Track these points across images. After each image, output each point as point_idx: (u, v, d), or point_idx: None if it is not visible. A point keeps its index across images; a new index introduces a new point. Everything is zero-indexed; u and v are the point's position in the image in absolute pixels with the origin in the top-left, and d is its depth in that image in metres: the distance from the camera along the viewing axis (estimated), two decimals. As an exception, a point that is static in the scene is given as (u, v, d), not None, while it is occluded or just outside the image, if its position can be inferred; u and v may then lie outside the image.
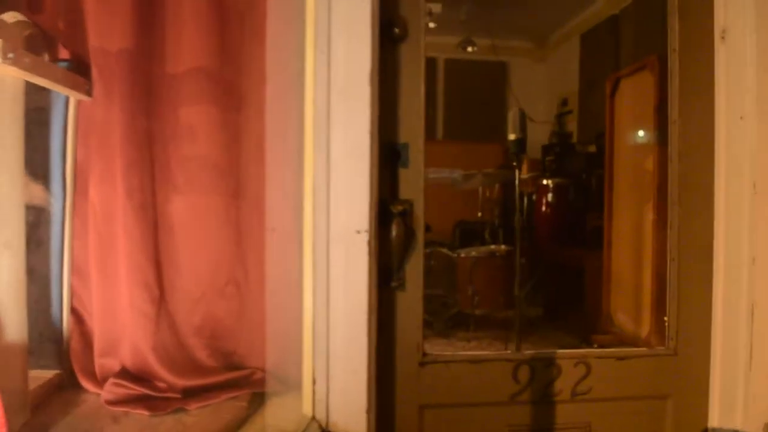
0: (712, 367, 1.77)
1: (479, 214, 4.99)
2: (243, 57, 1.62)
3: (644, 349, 1.84)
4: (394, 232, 1.60)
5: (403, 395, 1.67)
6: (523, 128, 2.51)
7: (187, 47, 1.58)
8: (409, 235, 1.64)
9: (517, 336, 2.63)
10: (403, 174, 1.66)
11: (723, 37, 1.76)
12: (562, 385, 1.72)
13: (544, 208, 4.44)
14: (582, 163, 4.73)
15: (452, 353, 1.78)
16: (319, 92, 1.51)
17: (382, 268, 1.63)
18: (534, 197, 4.59)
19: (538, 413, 1.73)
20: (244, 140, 1.62)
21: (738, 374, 1.71)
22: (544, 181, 4.43)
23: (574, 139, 5.39)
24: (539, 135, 5.79)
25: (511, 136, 2.51)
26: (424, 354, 1.68)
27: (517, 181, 2.59)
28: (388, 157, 1.65)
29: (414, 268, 1.66)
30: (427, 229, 4.92)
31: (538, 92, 6.01)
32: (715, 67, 1.76)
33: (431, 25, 4.42)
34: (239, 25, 1.63)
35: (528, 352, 1.73)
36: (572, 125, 5.50)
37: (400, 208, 1.61)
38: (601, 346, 3.22)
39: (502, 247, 3.91)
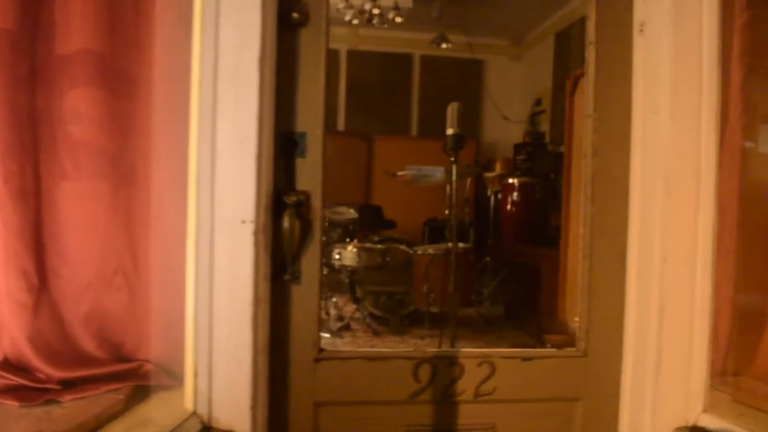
0: (624, 369, 1.72)
1: (446, 212, 4.93)
2: (134, 42, 1.56)
3: (553, 350, 1.79)
4: (286, 224, 1.55)
5: (297, 391, 1.62)
6: (460, 123, 2.46)
7: (75, 28, 1.52)
8: (305, 227, 1.59)
9: (451, 333, 2.58)
10: (301, 164, 1.60)
11: (641, 30, 1.71)
12: (465, 385, 1.67)
13: (509, 207, 4.40)
14: (552, 162, 4.68)
15: (350, 350, 1.72)
16: (205, 78, 1.46)
17: (276, 260, 1.58)
18: (500, 196, 4.54)
19: (440, 413, 1.68)
20: (135, 126, 1.57)
21: (647, 377, 1.66)
22: (510, 180, 4.38)
23: (547, 139, 5.34)
24: (514, 134, 5.74)
25: (449, 131, 2.46)
26: (320, 350, 1.63)
27: (453, 177, 2.54)
28: (286, 146, 1.60)
29: (311, 262, 1.61)
30: (392, 225, 4.91)
31: (514, 91, 5.95)
32: (633, 60, 1.72)
33: (398, 19, 4.37)
34: (132, 9, 1.57)
35: (430, 351, 1.67)
36: (546, 125, 5.45)
37: (293, 198, 1.55)
38: (554, 347, 3.17)
39: (460, 244, 3.86)
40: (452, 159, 2.52)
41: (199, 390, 1.48)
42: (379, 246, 3.75)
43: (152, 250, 1.58)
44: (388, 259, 3.73)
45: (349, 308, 4.06)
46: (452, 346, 2.63)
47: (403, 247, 3.90)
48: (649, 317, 1.65)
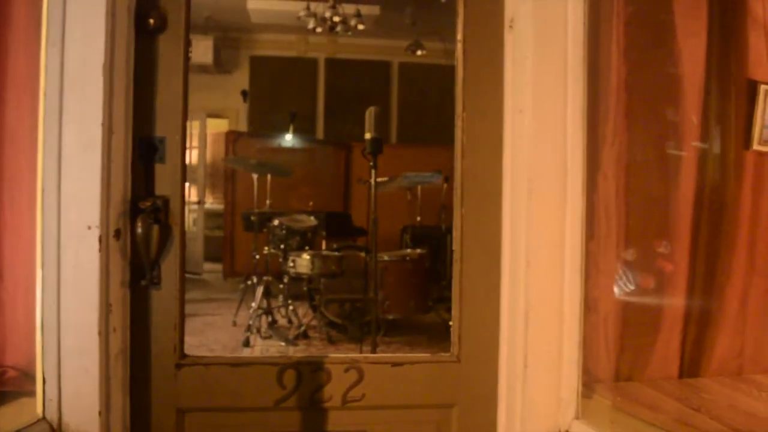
0: (500, 375, 1.68)
1: (418, 219, 4.91)
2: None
3: (425, 355, 1.76)
4: (139, 229, 1.55)
5: (159, 397, 1.61)
6: (378, 127, 2.44)
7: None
8: (164, 232, 1.59)
9: (372, 338, 2.55)
10: (160, 169, 1.61)
11: (511, 27, 1.68)
12: (333, 391, 1.65)
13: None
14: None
15: (212, 356, 1.71)
16: (51, 85, 1.47)
17: (135, 265, 1.58)
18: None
19: (307, 420, 1.66)
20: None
21: (516, 383, 1.62)
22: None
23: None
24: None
25: (367, 135, 2.45)
26: (183, 355, 1.62)
27: (373, 181, 2.52)
28: (145, 151, 1.60)
29: (171, 267, 1.61)
30: (362, 232, 4.89)
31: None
32: (504, 58, 1.69)
33: (360, 27, 4.38)
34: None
35: (295, 356, 1.66)
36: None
37: (148, 203, 1.56)
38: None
39: (417, 251, 3.83)
40: (371, 163, 2.50)
41: (47, 396, 1.48)
42: (335, 253, 3.74)
43: (13, 255, 1.60)
44: (344, 266, 3.72)
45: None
46: (373, 351, 2.60)
47: (362, 254, 3.88)
48: (517, 321, 1.61)
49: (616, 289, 1.85)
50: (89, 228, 1.47)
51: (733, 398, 1.67)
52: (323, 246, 4.45)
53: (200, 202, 6.24)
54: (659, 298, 1.83)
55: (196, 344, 3.64)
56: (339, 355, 1.65)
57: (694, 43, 1.80)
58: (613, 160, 1.76)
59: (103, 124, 1.47)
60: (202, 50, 5.69)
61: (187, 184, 5.41)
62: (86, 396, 1.49)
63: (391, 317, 3.72)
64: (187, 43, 1.62)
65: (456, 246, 1.69)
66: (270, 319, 3.96)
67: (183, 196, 1.62)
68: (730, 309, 1.91)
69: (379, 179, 3.47)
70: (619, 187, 1.78)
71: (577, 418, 1.59)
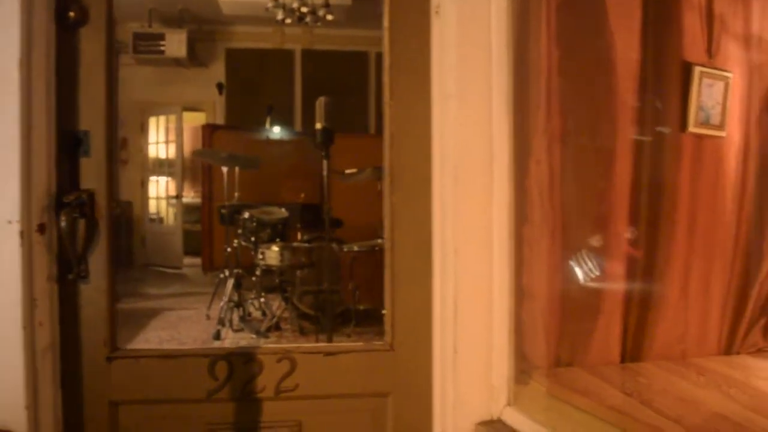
0: (434, 362, 1.68)
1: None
2: None
3: (359, 344, 1.76)
4: (63, 223, 1.54)
5: (92, 391, 1.61)
6: (329, 118, 2.43)
7: None
8: (91, 226, 1.58)
9: (328, 330, 2.55)
10: (86, 163, 1.60)
11: (437, 12, 1.66)
12: (265, 382, 1.64)
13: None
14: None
15: (144, 348, 1.71)
16: (-34, 81, 1.46)
17: (62, 260, 1.58)
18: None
19: (241, 411, 1.65)
20: None
21: (448, 370, 1.62)
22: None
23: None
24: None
25: (318, 126, 2.44)
26: (115, 348, 1.62)
27: (325, 172, 2.51)
28: (69, 145, 1.59)
29: (98, 260, 1.60)
30: (338, 224, 4.87)
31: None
32: (431, 44, 1.67)
33: (329, 17, 4.34)
34: None
35: (226, 348, 1.66)
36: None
37: (72, 198, 1.55)
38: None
39: (378, 240, 3.82)
40: (323, 154, 2.49)
41: (-28, 391, 1.48)
42: (305, 245, 3.74)
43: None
44: (314, 258, 3.71)
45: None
46: (329, 341, 2.60)
47: (334, 245, 3.88)
48: (447, 310, 1.61)
49: (579, 275, 1.85)
50: (10, 223, 1.46)
51: (669, 383, 1.67)
52: (299, 238, 4.45)
53: (178, 196, 6.23)
54: (599, 283, 1.82)
55: (167, 338, 3.65)
56: (271, 345, 1.65)
57: (629, 25, 1.78)
58: (547, 146, 1.75)
59: (21, 120, 1.46)
60: (176, 43, 5.66)
61: (166, 179, 5.40)
62: (11, 390, 1.48)
63: (362, 307, 3.72)
64: (111, 37, 1.60)
65: (387, 235, 1.68)
66: (243, 311, 3.96)
67: (110, 189, 1.61)
68: (672, 293, 1.91)
69: (348, 171, 3.46)
70: (554, 173, 1.77)
71: (509, 405, 1.60)
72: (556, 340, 1.80)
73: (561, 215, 1.78)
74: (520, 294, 1.72)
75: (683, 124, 1.91)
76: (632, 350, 1.87)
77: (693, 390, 1.61)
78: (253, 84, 5.88)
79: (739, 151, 2.25)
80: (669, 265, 1.91)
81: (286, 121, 5.56)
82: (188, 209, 6.45)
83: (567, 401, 1.57)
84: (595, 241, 1.82)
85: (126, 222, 6.15)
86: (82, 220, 1.57)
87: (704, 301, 1.93)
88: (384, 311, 1.71)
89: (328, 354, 1.67)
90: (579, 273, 1.82)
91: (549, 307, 1.79)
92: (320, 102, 2.44)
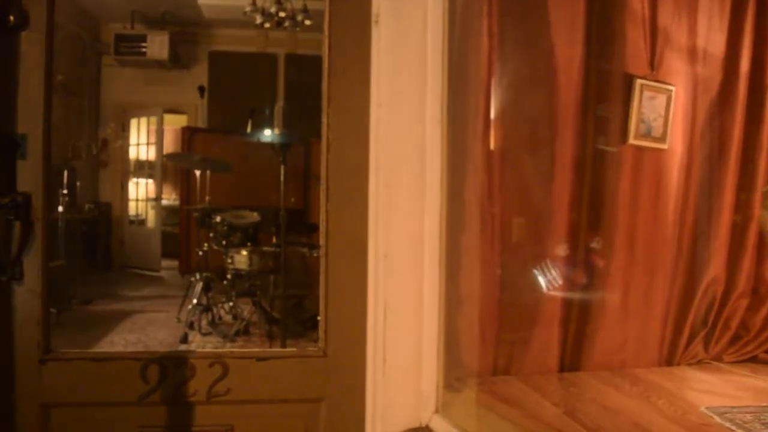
0: (368, 369, 1.69)
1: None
2: None
3: (292, 350, 1.77)
4: (-5, 225, 1.55)
5: (24, 393, 1.61)
6: (287, 123, 2.45)
7: None
8: (26, 228, 1.59)
9: (281, 335, 2.56)
10: (22, 166, 1.61)
11: (377, 21, 1.68)
12: (198, 386, 1.65)
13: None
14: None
15: (76, 351, 1.72)
16: None
17: (-4, 261, 1.58)
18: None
19: (173, 415, 1.66)
20: None
21: (378, 377, 1.62)
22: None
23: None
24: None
25: (276, 131, 2.45)
26: (48, 350, 1.62)
27: (282, 177, 2.52)
28: (6, 148, 1.60)
29: (33, 262, 1.61)
30: (315, 228, 4.89)
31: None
32: (371, 52, 1.69)
33: (307, 22, 4.36)
34: None
35: (158, 351, 1.66)
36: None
37: (6, 200, 1.56)
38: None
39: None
40: (280, 159, 2.50)
41: None
42: (275, 249, 3.74)
43: None
44: (282, 261, 3.71)
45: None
46: (283, 346, 2.61)
47: (305, 250, 3.88)
48: (378, 316, 1.62)
49: (542, 283, 1.86)
50: (-61, 224, 1.48)
51: (600, 393, 1.69)
52: (273, 242, 4.45)
53: (157, 199, 6.23)
54: (538, 292, 1.84)
55: (134, 341, 3.65)
56: (203, 350, 1.66)
57: (571, 37, 1.80)
58: (486, 156, 1.76)
59: (-48, 121, 1.48)
60: (158, 45, 5.67)
61: (147, 180, 5.39)
62: (-62, 391, 1.49)
63: (330, 313, 3.71)
64: (51, 41, 1.61)
65: (322, 241, 1.70)
66: (213, 315, 3.97)
67: (46, 192, 1.61)
68: (612, 303, 1.92)
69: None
70: (494, 182, 1.79)
71: (437, 412, 1.61)
72: (493, 348, 1.82)
73: (500, 224, 1.80)
74: (458, 302, 1.73)
75: (624, 136, 1.93)
76: (571, 360, 1.88)
77: (622, 400, 1.62)
78: (236, 87, 5.89)
79: (682, 163, 2.27)
80: (609, 275, 1.93)
81: (268, 125, 5.57)
82: (170, 212, 6.44)
83: (493, 410, 1.58)
84: (535, 250, 1.84)
85: (105, 224, 6.14)
86: (18, 222, 1.58)
87: (645, 311, 1.94)
88: (319, 317, 1.72)
89: (261, 359, 1.68)
90: (519, 282, 1.83)
91: (486, 316, 1.81)
92: (278, 108, 2.46)
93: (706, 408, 1.78)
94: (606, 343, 1.88)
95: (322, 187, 1.70)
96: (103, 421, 1.66)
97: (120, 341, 3.63)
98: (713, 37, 2.32)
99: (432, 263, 1.59)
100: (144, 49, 5.59)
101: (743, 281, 2.65)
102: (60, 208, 4.23)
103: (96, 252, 5.77)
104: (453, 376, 1.74)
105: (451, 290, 1.68)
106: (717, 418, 1.71)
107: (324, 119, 1.70)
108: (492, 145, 1.77)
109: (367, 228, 1.69)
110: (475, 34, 1.74)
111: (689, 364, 2.35)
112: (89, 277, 5.45)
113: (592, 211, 1.88)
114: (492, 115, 1.74)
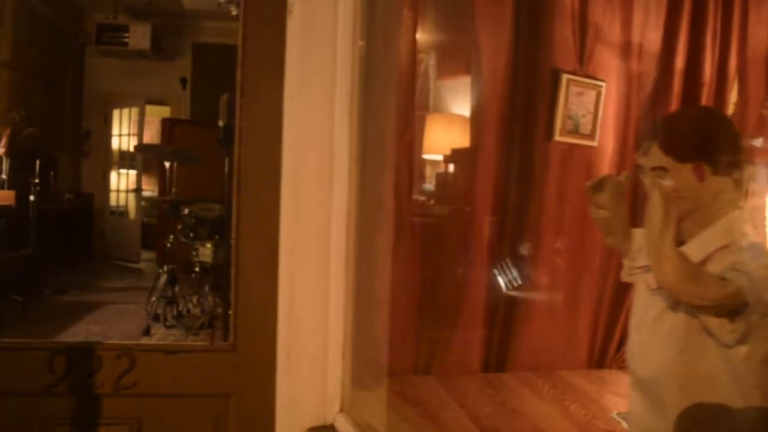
0: (278, 365, 1.66)
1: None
2: None
3: (201, 344, 1.74)
4: None
5: (-73, 382, 1.60)
6: (231, 115, 2.41)
7: None
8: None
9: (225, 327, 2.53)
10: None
11: (291, 12, 1.64)
12: (105, 378, 1.63)
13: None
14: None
15: None
16: None
17: None
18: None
19: (80, 406, 1.64)
20: None
21: (285, 374, 1.60)
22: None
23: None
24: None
25: (221, 123, 2.42)
26: (-49, 340, 1.61)
27: (226, 169, 2.49)
28: None
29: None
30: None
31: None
32: (286, 44, 1.65)
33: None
34: None
35: (66, 342, 1.64)
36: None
37: None
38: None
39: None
40: (225, 152, 2.47)
41: None
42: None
43: None
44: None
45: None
46: (224, 339, 2.58)
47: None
48: (285, 312, 1.59)
49: (465, 283, 1.82)
50: None
51: (515, 395, 1.65)
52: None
53: (138, 190, 6.23)
54: (461, 291, 1.80)
55: (97, 332, 3.64)
56: (111, 342, 1.64)
57: (497, 31, 1.76)
58: (406, 150, 1.73)
59: None
60: (140, 36, 5.65)
61: (127, 171, 5.37)
62: None
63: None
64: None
65: (233, 233, 1.67)
66: (178, 308, 3.95)
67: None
68: (538, 305, 1.88)
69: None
70: (413, 179, 1.75)
71: (342, 411, 1.58)
72: (413, 347, 1.78)
73: (421, 223, 1.76)
74: (374, 299, 1.70)
75: (550, 133, 1.88)
76: (497, 360, 1.85)
77: (534, 403, 1.59)
78: (220, 79, 5.83)
79: (614, 160, 2.20)
80: (536, 275, 1.89)
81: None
82: (152, 203, 6.44)
83: (398, 411, 1.55)
84: (459, 249, 1.80)
85: (86, 214, 6.14)
86: None
87: (573, 313, 1.89)
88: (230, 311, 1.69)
89: (169, 352, 1.65)
90: (441, 281, 1.80)
91: (406, 314, 1.77)
92: (223, 99, 2.42)
93: (617, 413, 1.74)
94: (532, 344, 1.84)
95: (235, 179, 1.67)
96: (9, 411, 1.64)
97: (83, 332, 3.62)
98: (649, 34, 2.26)
99: (339, 259, 1.56)
100: (126, 40, 5.57)
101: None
102: (31, 197, 4.23)
103: (75, 242, 5.77)
104: (371, 375, 1.72)
105: (366, 287, 1.65)
106: (624, 424, 1.67)
107: (237, 110, 1.67)
108: (413, 141, 1.73)
109: (279, 221, 1.66)
110: (395, 28, 1.70)
111: (621, 368, 2.30)
112: (67, 267, 5.45)
113: (517, 209, 1.84)
114: (407, 111, 1.71)
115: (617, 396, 1.88)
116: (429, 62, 3.67)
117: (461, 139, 2.09)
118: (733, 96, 2.64)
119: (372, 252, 1.65)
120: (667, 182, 1.19)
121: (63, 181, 5.63)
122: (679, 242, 1.19)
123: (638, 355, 1.27)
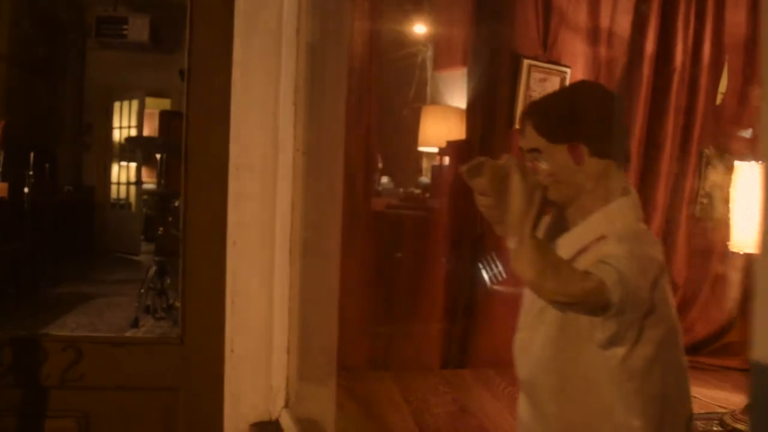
0: (226, 359, 1.63)
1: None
2: None
3: (149, 336, 1.71)
4: None
5: None
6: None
7: None
8: None
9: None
10: None
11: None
12: (50, 371, 1.61)
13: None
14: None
15: None
16: None
17: None
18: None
19: (26, 399, 1.62)
20: None
21: (230, 368, 1.57)
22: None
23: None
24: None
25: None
26: None
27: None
28: None
29: None
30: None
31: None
32: (234, 29, 1.61)
33: None
34: None
35: (10, 333, 1.63)
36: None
37: None
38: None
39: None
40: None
41: None
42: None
43: None
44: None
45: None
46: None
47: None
48: (228, 305, 1.56)
49: (425, 276, 1.77)
50: None
51: (469, 393, 1.60)
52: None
53: (138, 182, 6.26)
54: (420, 285, 1.75)
55: (86, 323, 3.66)
56: (58, 333, 1.62)
57: (458, 16, 1.70)
58: (361, 142, 1.68)
59: None
60: (139, 28, 5.65)
61: (130, 164, 5.37)
62: None
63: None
64: None
65: (182, 224, 1.64)
66: (169, 300, 3.95)
67: None
68: (500, 298, 1.82)
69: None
70: (371, 170, 1.70)
71: (287, 406, 1.54)
72: (368, 342, 1.74)
73: (373, 214, 1.71)
74: (326, 293, 1.66)
75: (511, 121, 1.81)
76: (456, 357, 1.79)
77: (487, 402, 1.54)
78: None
79: None
80: (497, 269, 1.83)
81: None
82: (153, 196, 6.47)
83: (343, 407, 1.51)
84: (418, 242, 1.75)
85: (87, 207, 6.19)
86: None
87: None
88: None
89: (116, 345, 1.63)
90: (399, 275, 1.75)
91: (361, 309, 1.73)
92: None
93: None
94: (494, 340, 1.78)
95: (182, 168, 1.64)
96: (-45, 403, 1.64)
97: (71, 324, 3.63)
98: (618, 18, 2.16)
99: (283, 252, 1.52)
100: (125, 32, 5.59)
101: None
102: (26, 190, 4.26)
103: (75, 235, 5.82)
104: (320, 370, 1.67)
105: (315, 281, 1.61)
106: None
107: (185, 97, 1.63)
108: (370, 132, 1.68)
109: (227, 212, 1.62)
110: (346, 15, 1.65)
111: None
112: (66, 259, 5.49)
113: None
114: (363, 101, 1.65)
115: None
116: (426, 54, 3.60)
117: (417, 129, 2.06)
118: (722, 86, 2.54)
119: (321, 245, 1.61)
120: (543, 165, 1.09)
121: (63, 174, 5.67)
122: (564, 231, 1.11)
123: (518, 354, 1.19)
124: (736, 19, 2.37)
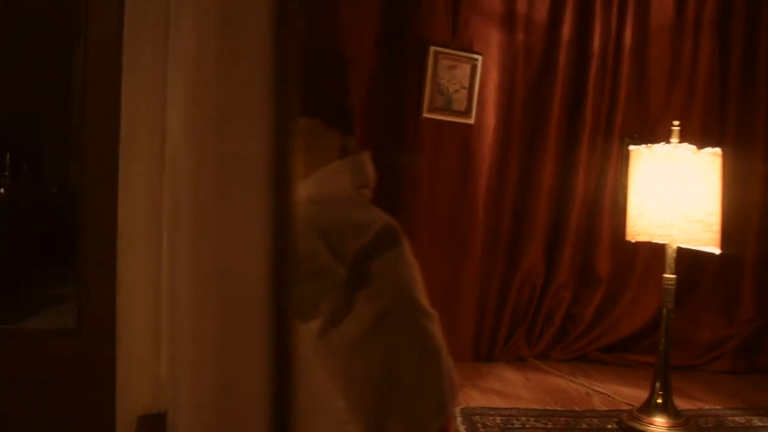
0: (117, 350, 1.60)
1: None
2: None
3: (45, 328, 1.69)
4: None
5: None
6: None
7: None
8: None
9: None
10: None
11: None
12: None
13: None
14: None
15: None
16: None
17: None
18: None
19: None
20: None
21: (118, 360, 1.53)
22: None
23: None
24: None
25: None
26: None
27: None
28: None
29: None
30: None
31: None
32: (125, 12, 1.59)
33: None
34: None
35: None
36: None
37: None
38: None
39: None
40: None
41: None
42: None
43: None
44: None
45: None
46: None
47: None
48: (118, 297, 1.52)
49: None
50: None
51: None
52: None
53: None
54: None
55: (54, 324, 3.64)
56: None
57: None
58: (268, 128, 1.63)
59: None
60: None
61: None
62: None
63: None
64: None
65: (78, 215, 1.61)
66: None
67: None
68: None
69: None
70: (285, 156, 1.65)
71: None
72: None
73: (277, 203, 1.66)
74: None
75: (419, 110, 1.75)
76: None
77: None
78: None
79: (496, 140, 2.00)
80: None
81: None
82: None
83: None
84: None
85: (72, 209, 6.12)
86: None
87: (453, 303, 1.76)
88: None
89: (8, 335, 1.61)
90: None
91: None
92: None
93: (460, 409, 1.60)
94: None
95: (79, 154, 1.62)
96: None
97: (53, 321, 3.62)
98: (534, 2, 2.08)
99: (171, 242, 1.48)
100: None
101: (564, 271, 2.40)
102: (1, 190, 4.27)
103: (59, 236, 5.78)
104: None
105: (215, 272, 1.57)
106: (459, 419, 1.53)
107: (83, 90, 1.61)
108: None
109: (117, 204, 1.59)
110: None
111: (509, 361, 2.14)
112: (49, 261, 5.47)
113: (386, 191, 1.72)
114: (267, 84, 1.61)
115: (482, 391, 1.73)
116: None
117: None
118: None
119: (219, 234, 1.57)
120: None
121: (51, 176, 5.67)
122: None
123: None
124: (662, 3, 2.27)
